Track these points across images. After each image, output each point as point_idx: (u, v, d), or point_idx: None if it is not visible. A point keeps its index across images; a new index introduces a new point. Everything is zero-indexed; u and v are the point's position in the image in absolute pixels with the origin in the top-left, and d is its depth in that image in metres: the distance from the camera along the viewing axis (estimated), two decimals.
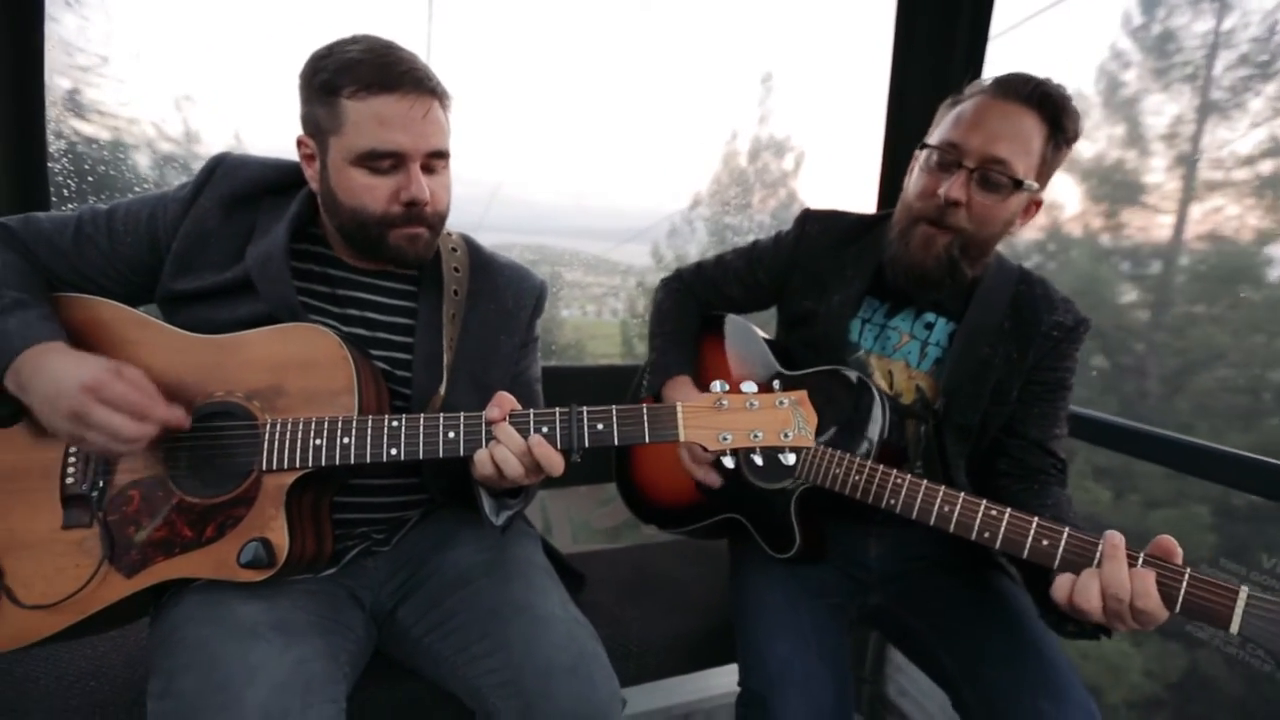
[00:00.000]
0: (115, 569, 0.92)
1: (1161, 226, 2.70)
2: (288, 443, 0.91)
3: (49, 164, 1.39)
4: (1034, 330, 1.13)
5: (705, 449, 0.87)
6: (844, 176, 1.99)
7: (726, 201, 3.19)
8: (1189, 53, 2.55)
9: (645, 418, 0.87)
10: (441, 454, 0.90)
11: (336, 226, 1.02)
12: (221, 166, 1.03)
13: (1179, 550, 0.81)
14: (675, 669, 1.36)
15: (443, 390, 1.05)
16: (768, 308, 1.42)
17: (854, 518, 1.06)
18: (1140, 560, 0.81)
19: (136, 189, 1.78)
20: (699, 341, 1.41)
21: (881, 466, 1.02)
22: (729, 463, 0.88)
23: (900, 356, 1.19)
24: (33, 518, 0.93)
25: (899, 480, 0.99)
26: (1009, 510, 0.90)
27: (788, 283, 1.30)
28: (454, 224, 1.13)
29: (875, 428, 1.07)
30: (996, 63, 1.75)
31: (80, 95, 1.64)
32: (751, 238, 1.38)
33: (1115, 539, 0.82)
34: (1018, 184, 1.03)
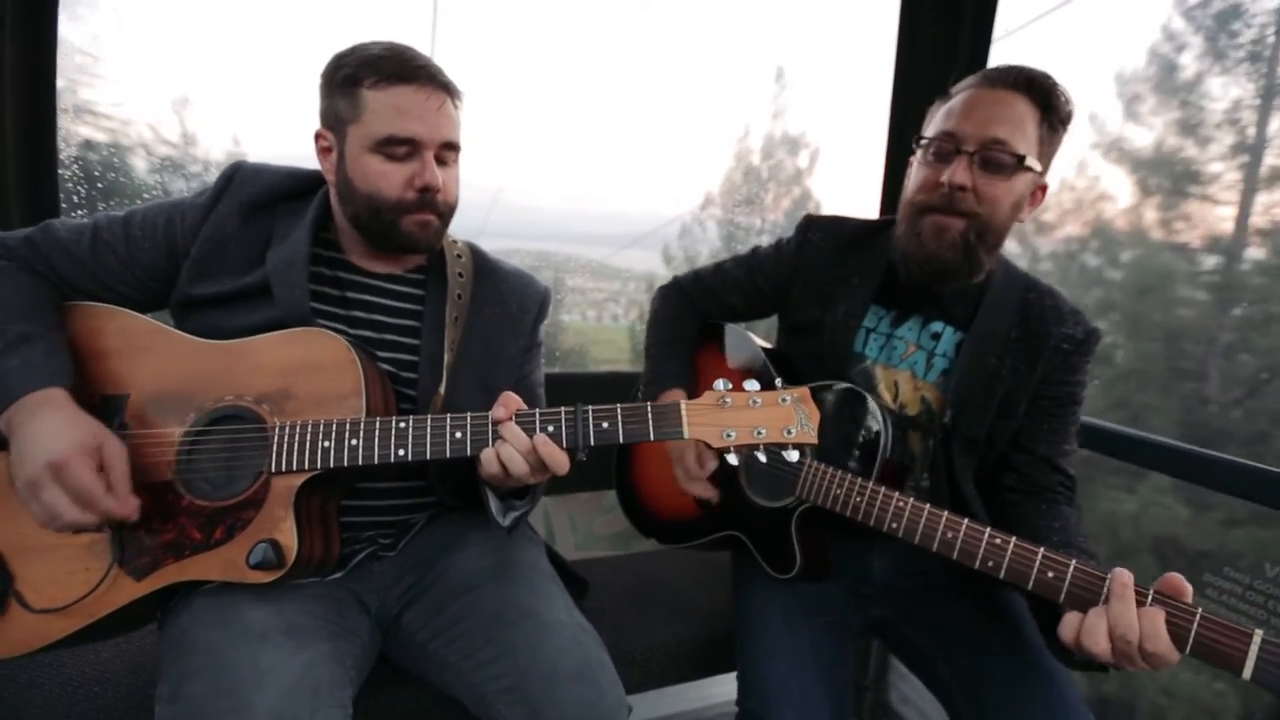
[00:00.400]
0: (125, 572, 0.92)
1: (1222, 220, 2.50)
2: (296, 445, 0.92)
3: (59, 170, 1.40)
4: (1043, 343, 1.11)
5: (709, 446, 0.88)
6: (860, 174, 1.95)
7: (739, 200, 3.13)
8: (1253, 31, 2.37)
9: (650, 416, 0.88)
10: (449, 454, 0.91)
11: (351, 216, 1.04)
12: (239, 174, 1.05)
13: (1189, 589, 0.78)
14: (679, 676, 1.36)
15: (442, 390, 1.06)
16: (769, 316, 1.40)
17: (857, 532, 1.05)
18: (1149, 598, 0.78)
19: (145, 195, 1.78)
20: (696, 351, 1.41)
21: (883, 489, 1.00)
22: (733, 460, 0.88)
23: (906, 367, 1.18)
24: None
25: (901, 504, 0.98)
26: (1014, 540, 0.88)
27: (790, 291, 1.29)
28: (456, 230, 1.14)
29: (877, 447, 1.05)
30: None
31: (74, 95, 1.63)
32: (765, 238, 1.37)
33: (1124, 578, 0.79)
34: (1020, 161, 1.02)
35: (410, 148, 0.98)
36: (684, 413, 0.88)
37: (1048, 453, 1.12)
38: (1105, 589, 0.80)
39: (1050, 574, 0.85)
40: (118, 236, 1.02)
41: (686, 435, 0.87)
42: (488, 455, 0.89)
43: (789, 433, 0.86)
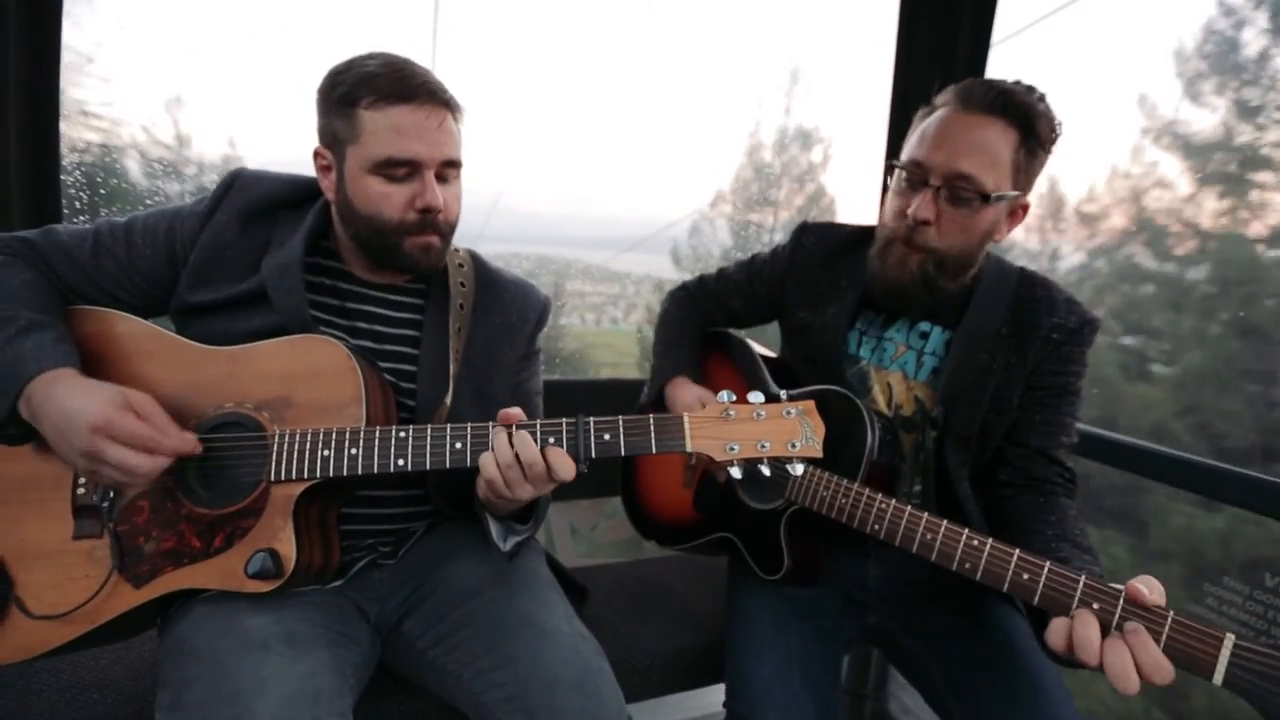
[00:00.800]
0: (124, 579, 0.92)
1: None
2: (296, 453, 0.92)
3: (62, 176, 1.41)
4: (1033, 333, 1.10)
5: (713, 460, 0.87)
6: (876, 169, 1.92)
7: (752, 197, 3.06)
8: None
9: (652, 428, 0.88)
10: (449, 464, 0.90)
11: (352, 236, 1.04)
12: (239, 181, 1.05)
13: (1158, 587, 0.77)
14: (679, 685, 1.36)
15: (448, 401, 1.06)
16: (770, 321, 1.42)
17: (853, 540, 1.05)
18: (1117, 612, 0.77)
19: (148, 201, 1.78)
20: (702, 347, 1.43)
21: (867, 491, 1.01)
22: (736, 473, 0.88)
23: (897, 367, 1.19)
24: (44, 528, 0.94)
25: (883, 506, 0.98)
26: (991, 542, 0.89)
27: (785, 295, 1.30)
28: (456, 235, 1.14)
29: (864, 449, 1.06)
30: (999, 72, 1.72)
31: (62, 94, 1.58)
32: (779, 235, 1.38)
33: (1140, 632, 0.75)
34: (986, 198, 1.02)
35: (410, 168, 0.97)
36: (687, 425, 0.87)
37: (1042, 444, 1.11)
38: (1077, 590, 0.80)
39: (1025, 576, 0.85)
40: (119, 242, 1.03)
41: (689, 448, 0.87)
42: (486, 460, 0.89)
43: (794, 446, 0.85)
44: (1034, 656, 1.08)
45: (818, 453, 0.86)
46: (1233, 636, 0.72)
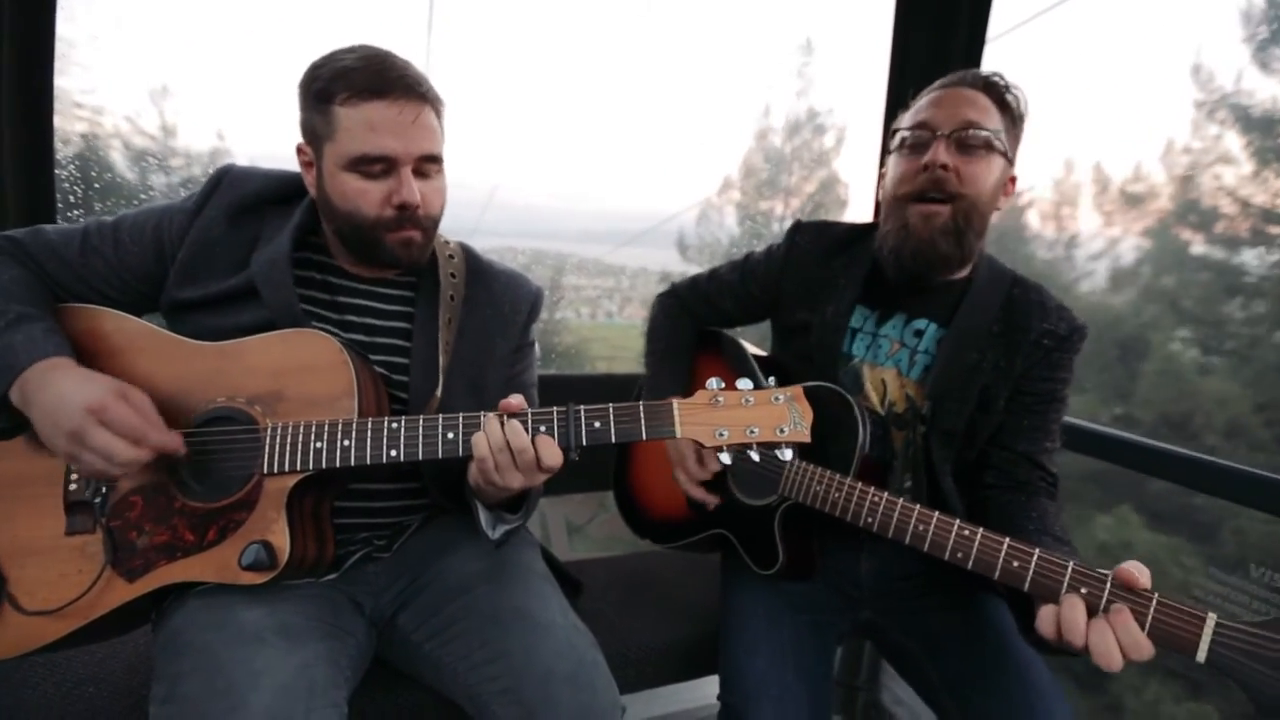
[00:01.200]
0: (118, 574, 0.93)
1: None
2: (288, 446, 0.92)
3: (55, 170, 1.40)
4: (1024, 337, 1.12)
5: (702, 445, 0.88)
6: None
7: (761, 183, 2.96)
8: None
9: (642, 415, 0.88)
10: (441, 454, 0.91)
11: (334, 231, 1.04)
12: (227, 178, 1.05)
13: (1145, 572, 0.79)
14: (673, 676, 1.37)
15: (438, 393, 1.06)
16: (762, 321, 1.42)
17: (846, 535, 1.06)
18: (1105, 593, 0.79)
19: (142, 196, 1.76)
20: (693, 358, 1.42)
21: (860, 484, 1.02)
22: (726, 459, 0.89)
23: (892, 364, 1.19)
24: (36, 524, 0.94)
25: (876, 499, 0.99)
26: (981, 531, 0.90)
27: (780, 295, 1.30)
28: (450, 229, 1.14)
29: (856, 443, 1.06)
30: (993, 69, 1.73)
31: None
32: (790, 223, 1.37)
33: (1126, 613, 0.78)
34: (994, 138, 1.06)
35: (386, 164, 0.96)
36: (676, 412, 0.88)
37: (1028, 449, 1.13)
38: (1066, 575, 0.82)
39: (1015, 563, 0.87)
40: (107, 241, 1.02)
41: (679, 434, 0.87)
42: (478, 440, 0.89)
43: (782, 431, 0.86)
44: (1027, 653, 1.09)
45: (806, 438, 0.86)
46: (1214, 616, 0.74)
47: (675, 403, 0.88)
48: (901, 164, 1.12)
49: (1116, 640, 0.77)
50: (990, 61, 1.77)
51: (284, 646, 0.88)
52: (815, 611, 1.23)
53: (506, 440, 0.87)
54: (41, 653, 0.93)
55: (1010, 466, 1.13)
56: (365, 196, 0.97)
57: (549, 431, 0.89)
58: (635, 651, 1.31)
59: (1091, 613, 0.80)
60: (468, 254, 1.19)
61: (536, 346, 1.26)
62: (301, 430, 0.92)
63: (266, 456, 0.92)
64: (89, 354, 0.97)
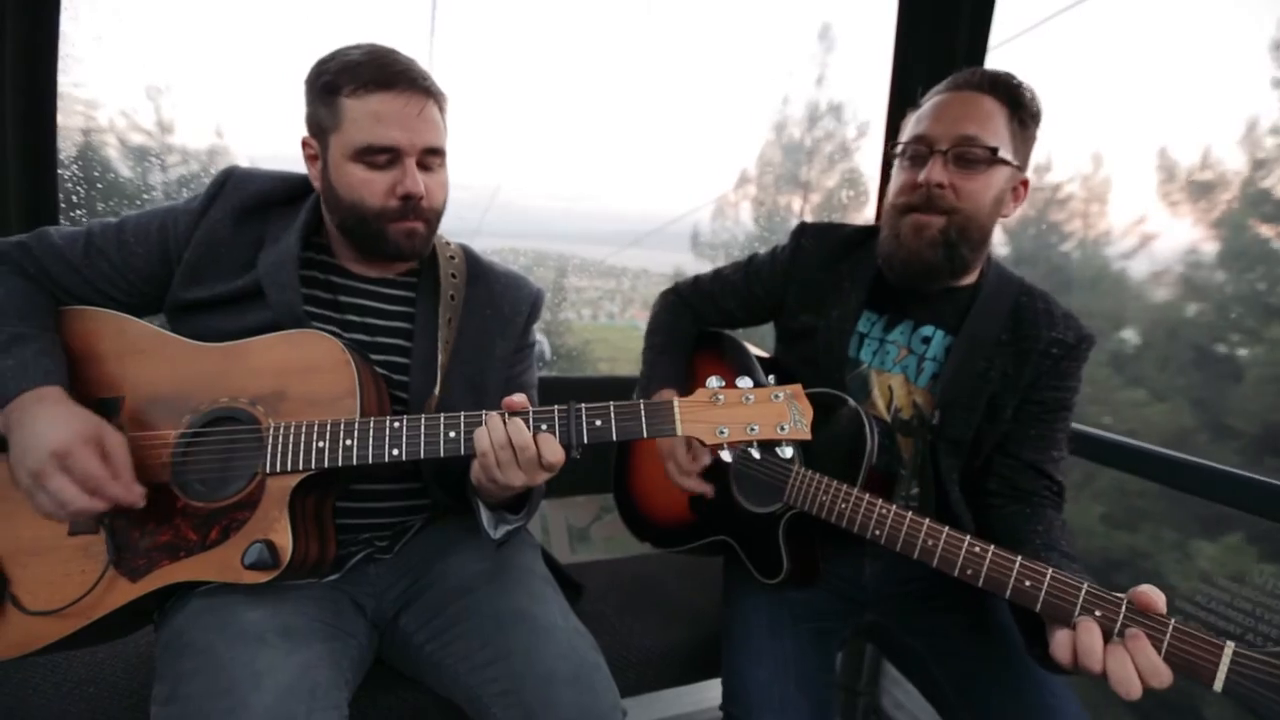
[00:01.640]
0: (121, 574, 0.93)
1: None
2: (291, 445, 0.92)
3: (59, 170, 1.40)
4: (1032, 346, 1.11)
5: (703, 443, 0.88)
6: None
7: (779, 177, 2.87)
8: None
9: (642, 413, 0.88)
10: (443, 453, 0.91)
11: (337, 224, 1.04)
12: (231, 179, 1.05)
13: (1161, 598, 0.78)
14: (674, 680, 1.36)
15: (436, 392, 1.06)
16: (764, 323, 1.41)
17: (849, 539, 1.05)
18: (1120, 617, 0.78)
19: (145, 196, 1.76)
20: (691, 354, 1.41)
21: (868, 496, 1.01)
22: (726, 456, 0.88)
23: (899, 370, 1.18)
24: (39, 525, 0.94)
25: (884, 511, 0.99)
26: (993, 549, 0.89)
27: (784, 298, 1.29)
28: (452, 230, 1.15)
29: (863, 453, 1.06)
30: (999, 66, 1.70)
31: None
32: (808, 219, 1.36)
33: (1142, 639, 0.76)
34: (993, 153, 1.04)
35: (390, 155, 0.98)
36: (677, 410, 0.88)
37: (1034, 458, 1.12)
38: (1080, 598, 0.81)
39: (1027, 583, 0.85)
40: (110, 242, 1.03)
41: (680, 432, 0.88)
42: (479, 435, 0.89)
43: (782, 429, 0.86)
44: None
45: (807, 435, 0.86)
46: (1232, 644, 0.72)
47: (676, 401, 0.88)
48: (901, 174, 1.12)
49: (1135, 667, 0.75)
50: (1046, 39, 1.65)
51: (286, 647, 0.88)
52: (818, 619, 1.22)
53: (509, 436, 0.87)
54: (44, 653, 0.93)
55: (1015, 475, 1.12)
56: (370, 187, 0.98)
57: (551, 429, 0.89)
58: (636, 654, 1.31)
59: (1105, 637, 0.78)
60: (468, 255, 1.19)
61: (547, 345, 1.27)
62: (304, 430, 0.92)
63: (269, 456, 0.92)
64: (91, 356, 0.98)
